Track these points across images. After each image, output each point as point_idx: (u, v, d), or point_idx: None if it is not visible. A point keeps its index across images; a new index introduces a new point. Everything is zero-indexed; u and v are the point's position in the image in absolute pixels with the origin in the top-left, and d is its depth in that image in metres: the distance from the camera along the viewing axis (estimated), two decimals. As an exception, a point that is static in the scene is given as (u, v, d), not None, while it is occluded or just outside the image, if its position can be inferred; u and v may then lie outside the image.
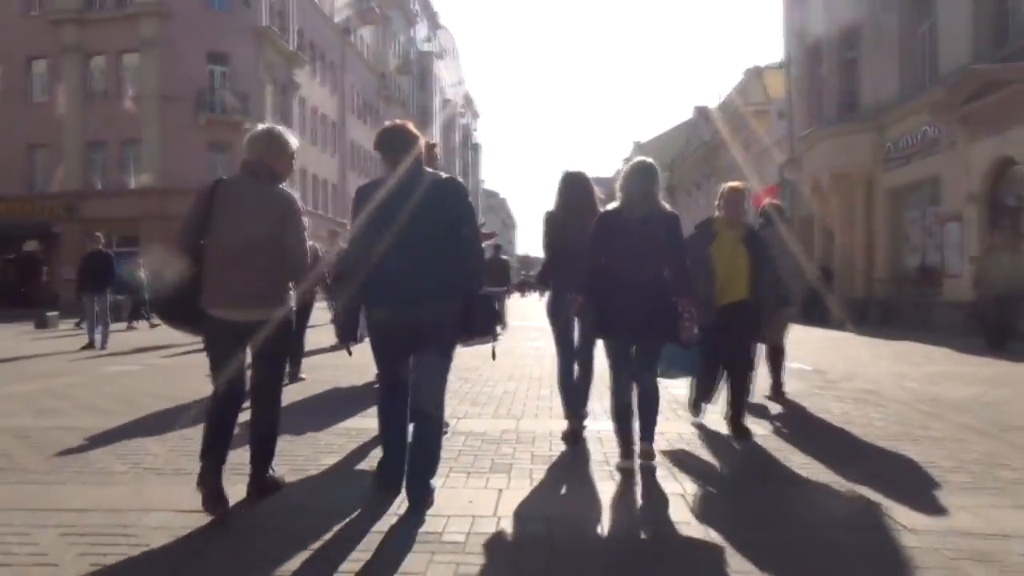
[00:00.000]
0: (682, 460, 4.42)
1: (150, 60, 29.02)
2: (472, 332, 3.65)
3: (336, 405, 6.28)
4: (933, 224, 16.91)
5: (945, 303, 15.52)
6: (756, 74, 32.80)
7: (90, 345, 11.97)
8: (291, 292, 3.63)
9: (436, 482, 3.64)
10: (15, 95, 30.01)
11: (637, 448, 4.21)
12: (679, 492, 3.75)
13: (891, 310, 17.83)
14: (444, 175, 3.64)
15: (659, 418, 5.46)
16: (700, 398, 5.46)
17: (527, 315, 20.27)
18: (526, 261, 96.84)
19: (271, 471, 3.64)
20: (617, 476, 4.05)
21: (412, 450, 3.52)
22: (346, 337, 3.74)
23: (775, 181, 25.36)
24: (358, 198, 3.62)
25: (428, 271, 3.41)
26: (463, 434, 5.04)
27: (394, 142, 3.61)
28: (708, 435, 5.10)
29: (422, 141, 3.68)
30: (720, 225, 5.22)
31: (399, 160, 3.56)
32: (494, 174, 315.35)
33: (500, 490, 3.76)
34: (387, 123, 3.76)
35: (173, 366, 9.50)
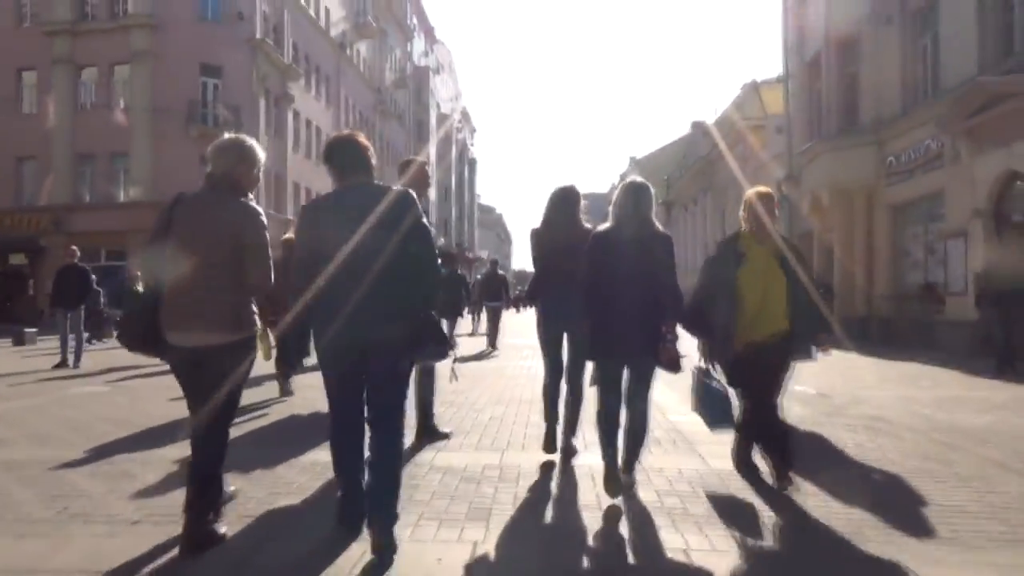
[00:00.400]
0: (684, 505, 3.92)
1: (141, 72, 28.60)
2: (420, 355, 3.37)
3: (298, 435, 5.67)
4: (935, 240, 16.53)
5: (948, 322, 15.09)
6: (753, 88, 32.56)
7: (63, 363, 11.47)
8: (254, 316, 3.30)
9: (403, 532, 3.21)
10: (4, 106, 29.51)
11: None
12: (681, 547, 3.27)
13: (893, 329, 17.40)
14: (396, 187, 3.33)
15: (658, 451, 5.11)
16: (743, 446, 4.55)
17: (521, 332, 19.79)
18: (522, 276, 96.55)
19: (211, 519, 3.19)
20: (609, 524, 3.59)
21: (371, 482, 3.16)
22: (289, 363, 3.49)
23: (773, 197, 24.98)
24: (303, 215, 3.38)
25: (376, 291, 3.07)
26: (440, 470, 4.56)
27: (341, 154, 3.34)
28: (712, 472, 4.60)
29: (371, 153, 3.39)
30: (748, 241, 4.32)
31: (347, 173, 3.31)
32: (490, 189, 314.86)
33: (475, 543, 3.29)
34: (335, 134, 3.52)
35: (144, 387, 8.97)
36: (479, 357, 13.55)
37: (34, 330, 17.95)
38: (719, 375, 4.36)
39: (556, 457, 4.86)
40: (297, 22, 35.04)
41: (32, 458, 4.88)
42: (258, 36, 30.25)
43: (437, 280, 3.35)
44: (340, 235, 3.07)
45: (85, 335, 12.95)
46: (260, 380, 8.36)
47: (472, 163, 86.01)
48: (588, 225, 4.88)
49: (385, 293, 3.08)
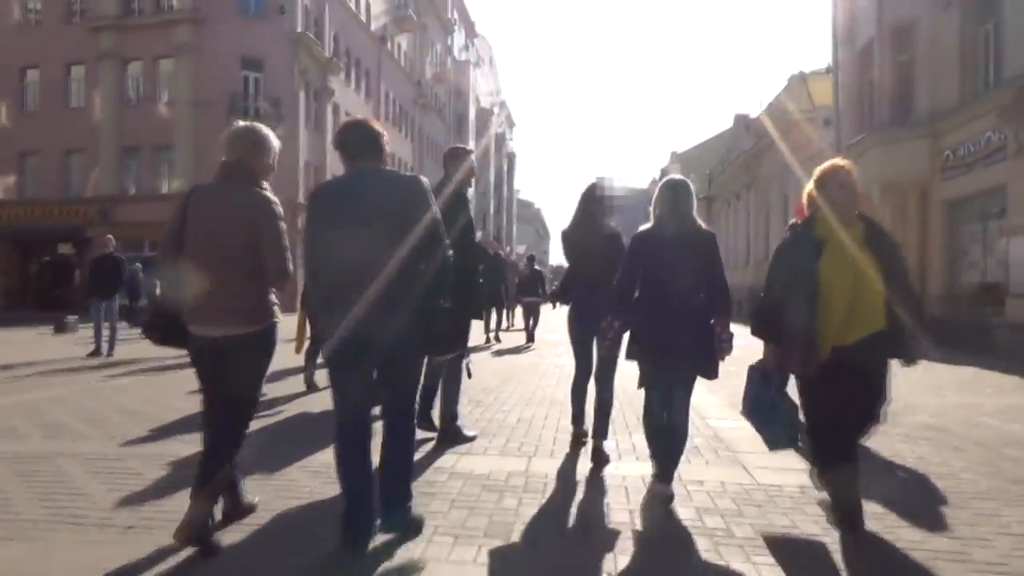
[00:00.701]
0: (727, 525, 3.52)
1: (184, 66, 28.98)
2: (432, 350, 3.24)
3: (313, 434, 5.27)
4: (996, 238, 15.69)
5: (1009, 325, 14.30)
6: (800, 80, 31.52)
7: (96, 352, 11.50)
8: (275, 305, 3.17)
9: (414, 549, 2.94)
10: (54, 101, 30.29)
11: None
12: (726, 571, 2.90)
13: (947, 331, 16.55)
14: (406, 173, 3.16)
15: (698, 461, 4.72)
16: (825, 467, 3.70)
17: (557, 327, 19.41)
18: (560, 272, 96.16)
19: (213, 528, 2.98)
20: (643, 547, 3.23)
21: (383, 468, 3.13)
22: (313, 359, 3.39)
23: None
24: (310, 202, 3.18)
25: (382, 282, 2.87)
26: (461, 477, 4.24)
27: (350, 138, 3.17)
28: (758, 487, 4.17)
29: (384, 139, 3.20)
30: (826, 226, 3.51)
31: (356, 157, 3.14)
32: (529, 184, 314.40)
33: (493, 565, 2.94)
34: (347, 119, 3.38)
35: (171, 378, 8.79)
36: (515, 351, 13.34)
37: (75, 318, 18.14)
38: (779, 384, 3.79)
39: (587, 465, 4.53)
40: (338, 16, 35.12)
41: (39, 451, 4.71)
42: (299, 30, 30.37)
43: (448, 271, 3.11)
44: (346, 223, 2.90)
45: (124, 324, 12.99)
46: (282, 375, 8.17)
47: (511, 157, 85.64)
48: (613, 223, 4.81)
49: (392, 284, 2.87)
